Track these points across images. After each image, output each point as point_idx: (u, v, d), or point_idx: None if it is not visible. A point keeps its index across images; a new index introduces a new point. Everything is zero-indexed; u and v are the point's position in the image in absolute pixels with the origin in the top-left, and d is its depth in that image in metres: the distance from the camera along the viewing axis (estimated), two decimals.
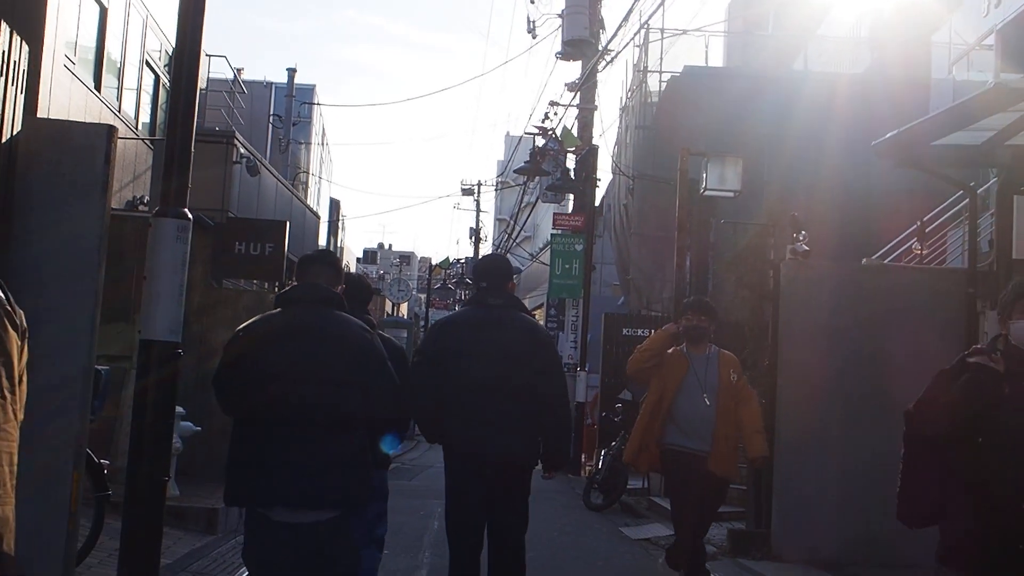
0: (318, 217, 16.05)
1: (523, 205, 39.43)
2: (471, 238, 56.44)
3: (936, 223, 12.08)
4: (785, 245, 9.04)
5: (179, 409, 8.69)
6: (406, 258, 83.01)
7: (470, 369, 5.16)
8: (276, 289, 11.41)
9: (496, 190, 61.78)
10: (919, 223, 11.00)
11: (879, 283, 8.72)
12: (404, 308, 61.88)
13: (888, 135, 8.90)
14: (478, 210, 55.63)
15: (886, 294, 8.70)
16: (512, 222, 44.07)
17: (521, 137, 51.68)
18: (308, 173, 28.24)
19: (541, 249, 52.52)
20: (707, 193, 13.93)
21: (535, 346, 5.32)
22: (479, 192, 56.65)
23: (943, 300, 8.71)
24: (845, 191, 20.11)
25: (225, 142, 11.13)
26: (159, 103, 12.64)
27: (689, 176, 14.23)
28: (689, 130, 21.77)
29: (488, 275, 5.54)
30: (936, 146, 8.88)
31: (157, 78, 11.98)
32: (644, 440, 6.55)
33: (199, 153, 11.96)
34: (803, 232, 9.24)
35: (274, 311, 4.31)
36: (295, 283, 4.41)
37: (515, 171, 20.86)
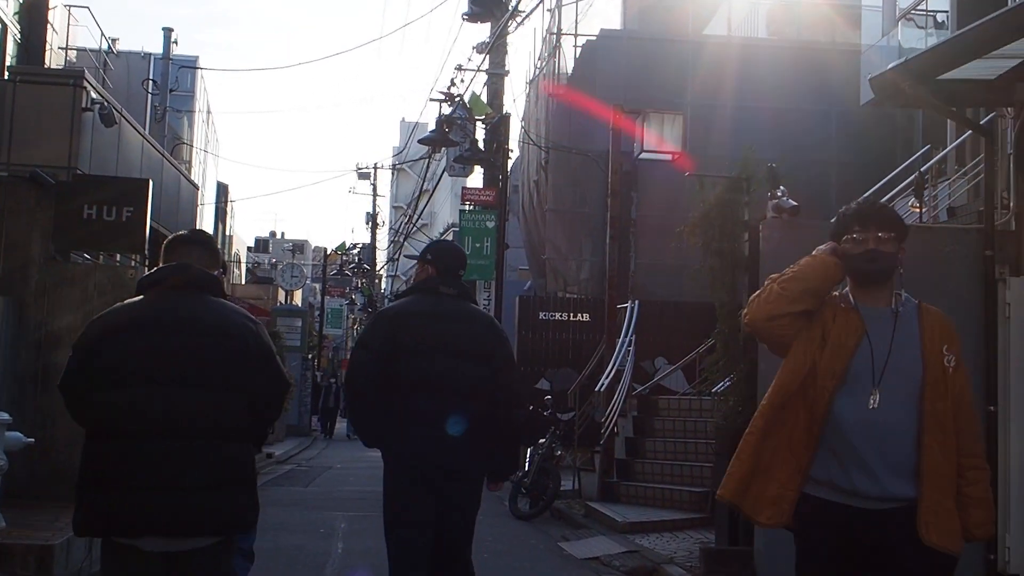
0: (196, 188, 13.95)
1: (422, 190, 37.64)
2: (367, 224, 54.39)
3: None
4: (765, 202, 7.44)
5: (1, 415, 6.65)
6: (299, 246, 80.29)
7: (425, 366, 4.60)
8: (136, 264, 9.40)
9: (392, 171, 59.80)
10: (917, 174, 9.54)
11: None
12: (298, 297, 59.42)
13: (888, 67, 7.34)
14: (375, 194, 53.68)
15: None
16: (412, 207, 42.24)
17: (416, 123, 49.88)
18: (190, 146, 25.85)
19: (442, 234, 50.79)
20: (643, 156, 12.32)
21: (496, 342, 4.84)
22: (375, 176, 54.77)
23: (955, 265, 7.20)
24: (789, 159, 18.93)
25: (72, 84, 9.00)
26: None
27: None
28: (606, 99, 20.28)
29: (448, 259, 4.96)
30: (944, 81, 7.33)
31: None
32: (771, 473, 3.36)
33: (39, 97, 9.98)
34: (781, 187, 7.64)
35: (136, 298, 3.60)
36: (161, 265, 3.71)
37: (420, 140, 19.03)
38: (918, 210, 9.36)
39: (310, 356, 34.62)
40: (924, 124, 17.68)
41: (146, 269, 8.17)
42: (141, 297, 3.58)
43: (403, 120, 67.77)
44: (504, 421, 4.74)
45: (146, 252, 8.63)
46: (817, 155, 20.01)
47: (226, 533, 3.48)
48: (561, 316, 18.33)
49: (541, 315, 18.26)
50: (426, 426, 4.56)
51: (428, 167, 33.31)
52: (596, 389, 11.22)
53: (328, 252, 41.95)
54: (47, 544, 6.51)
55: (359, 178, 58.11)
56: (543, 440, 12.01)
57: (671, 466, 10.90)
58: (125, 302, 3.63)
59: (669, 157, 12.42)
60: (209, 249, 3.82)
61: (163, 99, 19.82)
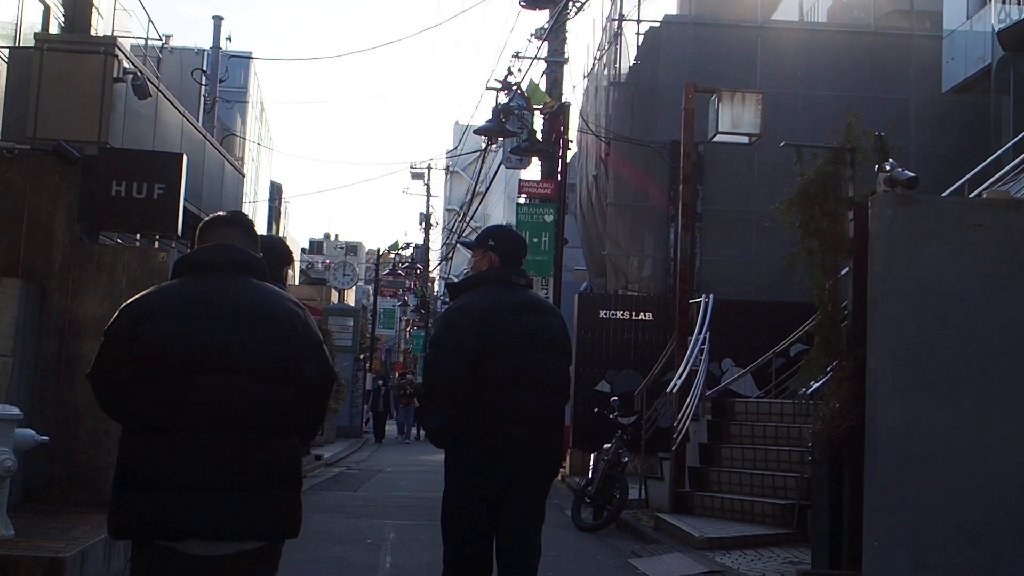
0: (243, 175, 13.19)
1: (475, 192, 36.92)
2: (421, 224, 53.87)
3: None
4: (872, 176, 6.49)
5: (9, 409, 5.92)
6: (353, 248, 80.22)
7: (516, 363, 4.44)
8: (170, 247, 8.65)
9: (446, 172, 59.32)
10: None
11: (1014, 225, 6.17)
12: (351, 297, 59.03)
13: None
14: (428, 194, 53.25)
15: (1020, 239, 6.17)
16: (465, 208, 41.64)
17: (468, 125, 49.47)
18: (242, 138, 25.29)
19: None
20: (718, 138, 11.37)
21: (567, 333, 4.81)
22: (429, 175, 54.35)
23: None
24: None
25: (103, 52, 8.25)
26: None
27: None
28: (670, 87, 19.34)
29: (511, 246, 4.75)
30: None
31: None
32: None
33: (68, 67, 9.28)
34: (891, 159, 6.69)
35: (173, 280, 3.32)
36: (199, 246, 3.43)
37: (476, 131, 18.21)
38: None
39: (362, 357, 33.99)
40: (1014, 111, 16.54)
41: (177, 253, 7.44)
42: (179, 280, 3.30)
43: (456, 123, 67.39)
44: (561, 413, 4.71)
45: (179, 234, 7.88)
46: (893, 145, 18.89)
47: (272, 538, 3.21)
48: (623, 315, 17.43)
49: (602, 313, 17.39)
50: (521, 423, 4.39)
51: (481, 168, 32.56)
52: (667, 390, 10.29)
53: (381, 252, 41.30)
54: (58, 557, 5.74)
55: (412, 178, 57.83)
56: (608, 445, 11.11)
57: (751, 475, 9.94)
58: (162, 284, 3.33)
59: (746, 140, 11.44)
60: (249, 231, 3.52)
61: (212, 89, 19.21)
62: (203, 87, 19.14)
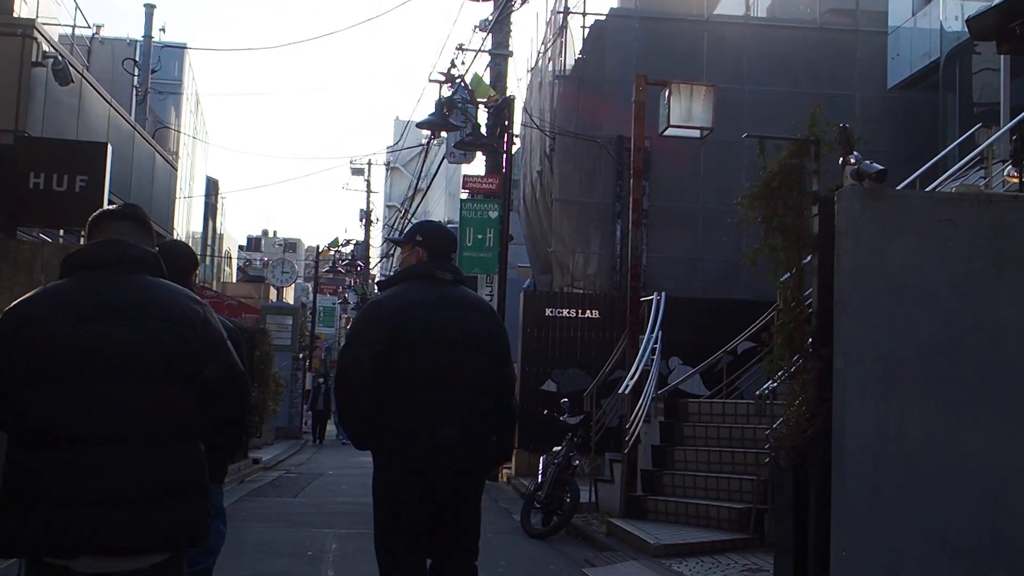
0: (174, 168, 12.59)
1: (416, 188, 36.40)
2: (361, 220, 53.18)
3: None
4: (836, 170, 6.22)
5: None
6: (292, 245, 79.10)
7: (433, 360, 4.30)
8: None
9: (387, 168, 58.71)
10: (1013, 139, 8.32)
11: (984, 220, 5.92)
12: (290, 295, 58.12)
13: (991, 4, 6.13)
14: (369, 190, 52.63)
15: (992, 235, 5.93)
16: (406, 205, 41.15)
17: (409, 122, 48.86)
18: (176, 131, 24.53)
19: None
20: (669, 132, 11.07)
21: (498, 329, 4.63)
22: (369, 171, 53.70)
23: None
24: None
25: (20, 34, 7.68)
26: None
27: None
28: (616, 81, 19.08)
29: (439, 241, 4.61)
30: None
31: None
32: None
33: None
34: (856, 152, 6.42)
35: (60, 280, 3.11)
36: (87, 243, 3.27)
37: (418, 124, 17.77)
38: (1016, 180, 8.14)
39: (301, 356, 33.33)
40: (960, 107, 16.50)
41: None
42: (67, 279, 3.12)
43: (397, 118, 66.79)
44: (505, 411, 4.51)
45: None
46: (859, 137, 18.81)
47: (174, 549, 3.06)
48: (569, 313, 17.12)
49: (548, 311, 17.07)
50: (437, 423, 4.24)
51: (423, 164, 32.09)
52: (619, 390, 9.97)
53: (321, 249, 40.61)
54: None
55: (352, 174, 57.12)
56: (558, 448, 10.76)
57: (705, 478, 9.65)
58: (48, 285, 3.14)
59: (698, 133, 11.16)
60: (142, 224, 3.36)
61: (144, 80, 18.51)
62: (135, 77, 18.44)
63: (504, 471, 17.57)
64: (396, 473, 4.29)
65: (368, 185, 52.99)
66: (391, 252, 42.09)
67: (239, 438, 3.79)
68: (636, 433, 9.98)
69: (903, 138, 18.77)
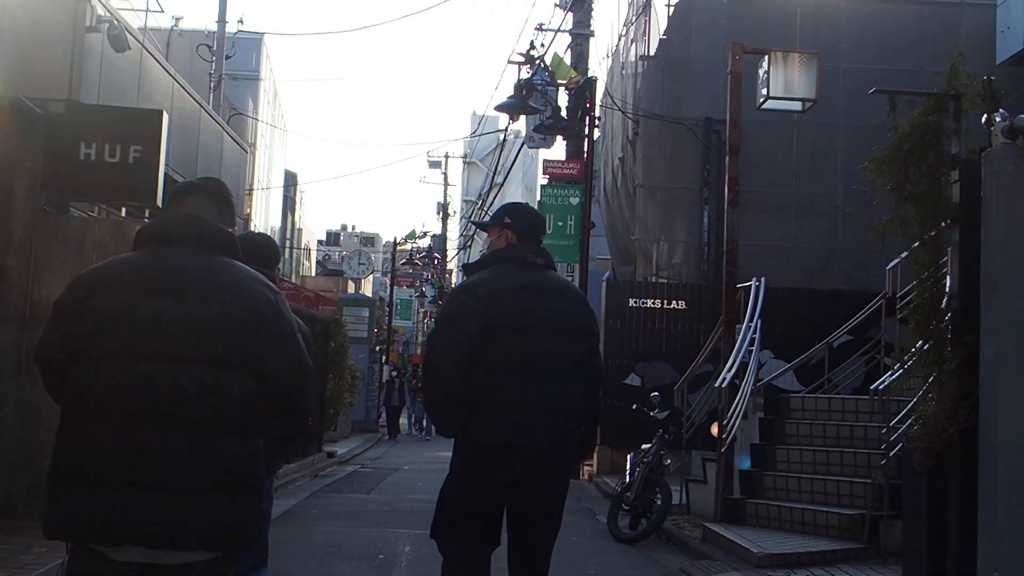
0: (246, 151, 12.09)
1: (492, 182, 35.81)
2: (438, 214, 52.86)
3: None
4: (986, 127, 5.37)
5: None
6: (370, 239, 79.34)
7: (529, 347, 4.06)
8: (147, 219, 7.59)
9: (463, 162, 58.42)
10: None
11: None
12: (368, 288, 58.05)
13: None
14: (446, 183, 52.36)
15: None
16: (482, 200, 40.68)
17: (484, 116, 48.38)
18: (254, 119, 24.19)
19: None
20: (768, 105, 10.22)
21: (591, 316, 4.43)
22: (447, 164, 53.42)
23: None
24: None
25: None
26: None
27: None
28: (703, 61, 18.19)
29: (530, 223, 4.44)
30: None
31: None
32: None
33: (33, 14, 8.19)
34: (1002, 110, 5.56)
35: (131, 253, 3.03)
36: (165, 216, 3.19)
37: (496, 107, 17.08)
38: None
39: (378, 349, 32.96)
40: None
41: None
42: (138, 252, 3.04)
43: (474, 112, 66.49)
44: (593, 403, 4.36)
45: (159, 203, 6.79)
46: (1006, 91, 17.68)
47: (221, 549, 2.90)
48: (653, 303, 16.35)
49: (631, 302, 16.31)
50: (529, 414, 4.05)
51: (500, 157, 31.44)
52: (716, 383, 9.15)
53: (398, 241, 40.19)
54: None
55: (430, 167, 56.95)
56: (647, 446, 10.00)
57: (811, 481, 8.81)
58: (117, 257, 3.10)
59: (799, 106, 10.29)
60: (223, 201, 3.22)
61: (218, 64, 18.13)
62: (211, 64, 18.07)
63: (586, 468, 16.85)
64: (478, 463, 4.09)
65: (445, 178, 52.74)
66: (469, 244, 41.59)
67: (294, 438, 3.56)
68: (733, 430, 9.16)
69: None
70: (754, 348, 9.54)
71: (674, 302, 16.32)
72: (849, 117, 17.84)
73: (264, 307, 2.98)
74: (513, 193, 61.75)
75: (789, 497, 8.92)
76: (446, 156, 53.31)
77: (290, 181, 51.79)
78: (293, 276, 50.75)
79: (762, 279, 10.33)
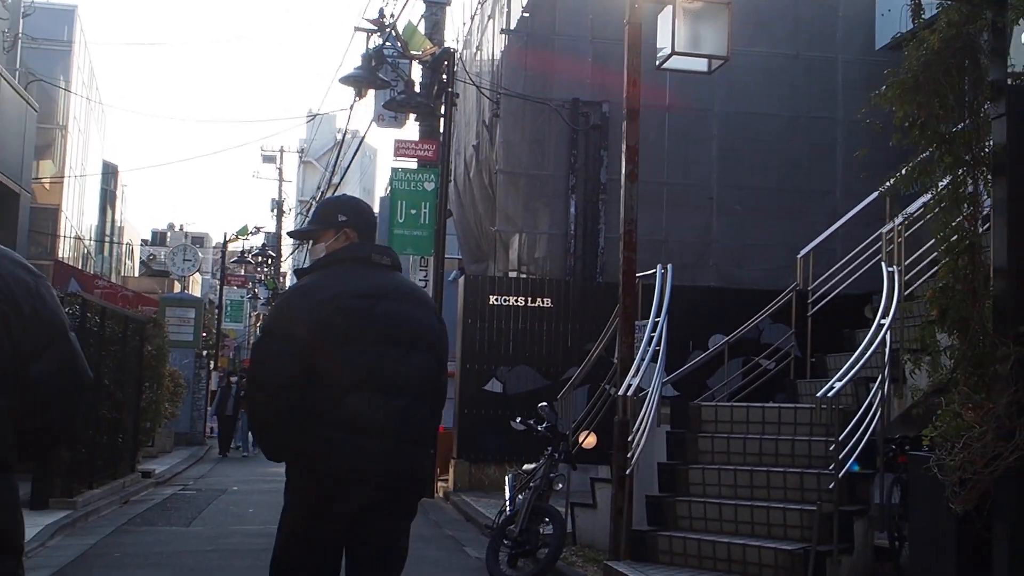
0: (35, 110, 9.83)
1: (330, 183, 33.67)
2: (272, 211, 50.12)
3: None
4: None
5: None
6: (199, 239, 75.55)
7: (364, 360, 3.63)
8: None
9: (299, 157, 55.92)
10: None
11: None
12: (196, 290, 54.64)
13: None
14: (280, 179, 49.91)
15: None
16: (320, 194, 38.52)
17: (321, 117, 45.99)
18: (64, 88, 21.43)
19: None
20: (671, 64, 8.67)
21: (442, 328, 4.00)
22: (281, 159, 50.89)
23: None
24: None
25: None
26: None
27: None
28: (571, 38, 16.72)
29: (369, 220, 3.99)
30: None
31: None
32: None
33: None
34: None
35: None
36: None
37: (341, 80, 15.13)
38: None
39: (206, 354, 30.32)
40: None
41: None
42: None
43: (309, 110, 64.10)
44: (435, 422, 4.00)
45: None
46: (820, 111, 16.75)
47: None
48: (517, 301, 14.70)
49: (492, 299, 14.63)
50: (370, 435, 3.60)
51: (338, 156, 29.40)
52: (620, 392, 7.50)
53: (229, 237, 37.49)
54: None
55: (264, 161, 54.21)
56: (530, 466, 8.31)
57: (736, 508, 7.28)
58: None
59: (705, 65, 8.80)
60: None
61: (13, 24, 15.54)
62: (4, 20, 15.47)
63: (440, 485, 15.10)
64: (317, 496, 3.64)
65: (280, 173, 50.31)
66: (306, 242, 39.23)
67: (44, 451, 2.59)
68: (639, 448, 7.54)
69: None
70: (661, 348, 7.95)
71: (540, 300, 14.74)
72: (724, 103, 16.69)
73: (19, 295, 2.46)
74: (352, 193, 59.70)
75: (708, 528, 7.36)
76: (280, 150, 50.82)
77: (110, 173, 48.15)
78: (113, 276, 47.17)
79: (668, 267, 8.76)
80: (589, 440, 9.30)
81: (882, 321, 7.17)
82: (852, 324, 10.27)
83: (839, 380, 6.59)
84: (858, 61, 16.63)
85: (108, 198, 48.67)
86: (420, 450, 3.80)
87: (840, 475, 6.49)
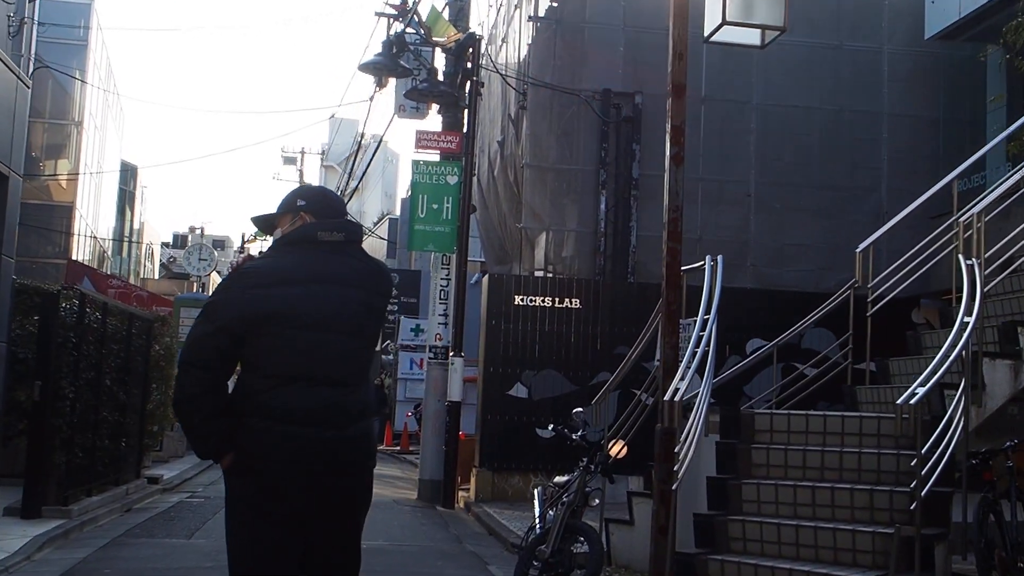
0: (27, 85, 9.11)
1: (347, 185, 32.97)
2: None
3: None
4: None
5: None
6: (220, 242, 75.30)
7: (300, 347, 3.53)
8: None
9: (321, 160, 55.37)
10: None
11: None
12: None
13: None
14: (301, 181, 49.00)
15: None
16: (338, 191, 37.85)
17: (341, 120, 45.26)
18: (81, 80, 20.80)
19: (376, 223, 46.20)
20: (721, 36, 7.84)
21: (380, 305, 3.83)
22: (303, 161, 50.40)
23: None
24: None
25: None
26: None
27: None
28: (600, 26, 15.93)
29: (329, 203, 3.84)
30: None
31: None
32: None
33: None
34: None
35: None
36: None
37: (360, 67, 14.36)
38: None
39: None
40: (1005, 64, 13.56)
41: None
42: None
43: (332, 116, 63.64)
44: (369, 410, 3.78)
45: None
46: (864, 104, 15.89)
47: None
48: (544, 301, 13.94)
49: (518, 299, 13.86)
50: (306, 426, 3.47)
51: (355, 159, 28.64)
52: (666, 397, 6.66)
53: (248, 239, 36.75)
54: None
55: (284, 163, 53.70)
56: (562, 478, 7.50)
57: (796, 529, 6.44)
58: None
59: (758, 37, 8.00)
60: None
61: (20, 8, 14.88)
62: (11, 4, 14.82)
63: (461, 495, 14.31)
64: (254, 489, 3.51)
65: (300, 175, 49.78)
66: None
67: None
68: (687, 460, 6.70)
69: (943, 102, 15.91)
70: (711, 350, 7.12)
71: (568, 300, 13.97)
72: (763, 96, 15.84)
73: None
74: (372, 198, 59.03)
75: (766, 552, 6.52)
76: (302, 152, 50.27)
77: (129, 174, 47.75)
78: (132, 278, 46.69)
79: (719, 258, 7.92)
80: (620, 450, 8.50)
81: (966, 319, 6.32)
82: (903, 328, 9.51)
83: (921, 386, 5.75)
84: (905, 52, 15.80)
85: (127, 199, 48.27)
86: (362, 442, 3.67)
87: (923, 494, 5.65)
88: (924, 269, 8.58)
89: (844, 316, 8.90)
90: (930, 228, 10.77)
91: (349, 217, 4.13)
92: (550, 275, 15.14)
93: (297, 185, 50.46)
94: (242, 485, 3.54)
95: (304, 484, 3.49)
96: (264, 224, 3.92)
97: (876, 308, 8.58)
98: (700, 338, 7.21)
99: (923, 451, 5.67)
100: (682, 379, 6.70)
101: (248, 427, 3.49)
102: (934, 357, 6.99)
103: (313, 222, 3.72)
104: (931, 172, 15.06)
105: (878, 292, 8.85)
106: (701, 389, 6.90)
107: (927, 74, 15.84)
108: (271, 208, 3.92)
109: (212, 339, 3.52)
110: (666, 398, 6.59)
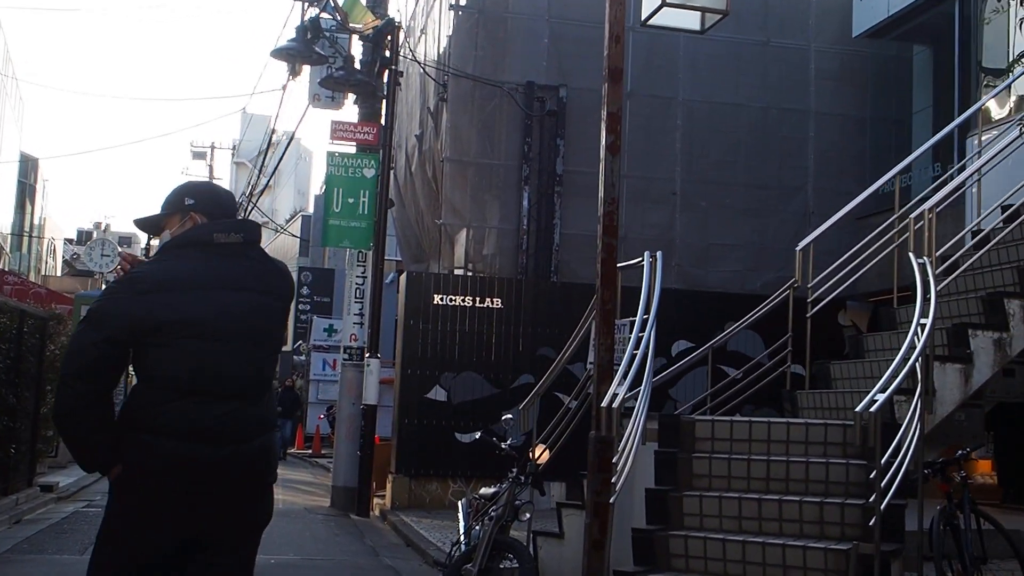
0: None
1: (257, 182, 32.01)
2: None
3: None
4: None
5: None
6: (127, 240, 73.23)
7: (193, 358, 3.37)
8: None
9: (232, 153, 54.02)
10: None
11: None
12: None
13: None
14: (211, 178, 47.66)
15: None
16: (253, 199, 36.78)
17: (252, 116, 44.17)
18: None
19: (289, 220, 45.12)
20: (659, 19, 7.37)
21: (281, 309, 3.63)
22: (212, 156, 49.01)
23: None
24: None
25: None
26: None
27: None
28: (526, 17, 15.44)
29: (220, 202, 3.64)
30: None
31: None
32: None
33: None
34: None
35: None
36: None
37: (273, 53, 13.65)
38: None
39: None
40: (959, 64, 13.44)
41: None
42: None
43: (243, 110, 62.26)
44: (268, 426, 3.59)
45: None
46: (791, 102, 15.67)
47: None
48: (464, 301, 13.36)
49: (437, 299, 13.26)
50: (195, 441, 3.31)
51: (266, 155, 27.77)
52: (604, 403, 6.16)
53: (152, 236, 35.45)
54: None
55: (193, 157, 52.33)
56: (489, 489, 6.94)
57: (743, 545, 5.98)
58: None
59: (698, 21, 7.55)
60: None
61: None
62: None
63: (376, 502, 13.68)
64: (136, 509, 3.35)
65: (211, 171, 48.37)
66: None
67: None
68: (627, 469, 6.20)
69: (870, 102, 15.77)
70: (649, 351, 6.65)
71: (488, 300, 13.42)
72: (689, 92, 15.51)
73: None
74: (284, 196, 57.85)
75: (710, 569, 6.06)
76: (212, 147, 48.89)
77: (29, 167, 45.86)
78: (33, 275, 44.83)
79: (657, 254, 7.46)
80: (541, 454, 7.99)
81: (923, 321, 5.94)
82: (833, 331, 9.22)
83: (881, 391, 5.34)
84: (833, 50, 15.62)
85: (27, 192, 46.36)
86: (260, 461, 3.49)
87: (883, 507, 5.24)
88: (866, 268, 8.25)
89: (772, 318, 8.55)
90: (857, 229, 10.53)
91: (241, 216, 3.87)
92: (470, 274, 14.62)
93: (205, 179, 49.16)
94: (125, 502, 3.39)
95: (191, 506, 3.33)
96: (150, 226, 3.68)
97: (815, 309, 8.21)
98: (640, 339, 6.72)
99: (883, 461, 5.25)
100: (620, 384, 6.20)
101: (136, 442, 3.33)
102: (878, 361, 6.62)
103: (206, 223, 3.56)
104: (858, 171, 14.92)
105: (817, 293, 8.50)
106: (640, 394, 6.41)
107: (854, 73, 15.69)
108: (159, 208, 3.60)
109: (97, 349, 3.34)
110: (603, 404, 6.08)
